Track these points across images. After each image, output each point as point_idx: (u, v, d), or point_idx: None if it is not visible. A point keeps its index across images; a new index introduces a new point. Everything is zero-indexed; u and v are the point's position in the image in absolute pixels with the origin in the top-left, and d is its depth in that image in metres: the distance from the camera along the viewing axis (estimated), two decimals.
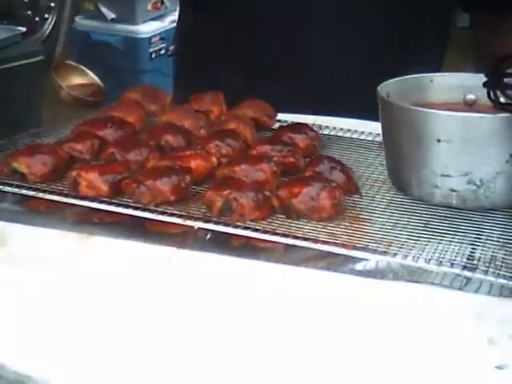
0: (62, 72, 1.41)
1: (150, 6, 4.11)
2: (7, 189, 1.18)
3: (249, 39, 1.52)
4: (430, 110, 1.10)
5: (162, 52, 4.15)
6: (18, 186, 1.18)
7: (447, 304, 0.96)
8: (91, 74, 1.44)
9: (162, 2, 4.23)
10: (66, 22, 1.40)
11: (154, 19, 4.15)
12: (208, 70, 1.57)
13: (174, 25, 4.57)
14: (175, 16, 4.52)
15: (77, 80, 1.42)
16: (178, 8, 4.62)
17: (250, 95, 1.42)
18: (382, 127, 1.20)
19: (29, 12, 4.43)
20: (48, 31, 4.59)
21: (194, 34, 1.58)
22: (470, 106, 1.21)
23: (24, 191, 1.17)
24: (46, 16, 4.57)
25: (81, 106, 1.39)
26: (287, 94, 1.43)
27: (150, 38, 4.08)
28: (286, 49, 1.51)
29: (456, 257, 1.01)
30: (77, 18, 4.23)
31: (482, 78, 1.14)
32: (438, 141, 1.09)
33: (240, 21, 1.52)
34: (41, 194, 1.16)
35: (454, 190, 1.11)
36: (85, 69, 1.47)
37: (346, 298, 0.97)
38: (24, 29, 3.70)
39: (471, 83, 1.21)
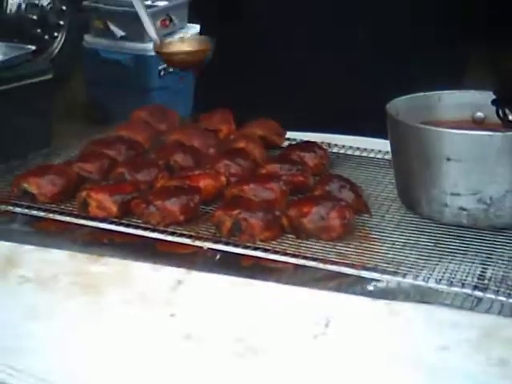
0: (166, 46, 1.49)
1: (158, 24, 4.13)
2: (17, 210, 1.18)
3: (262, 57, 1.52)
4: (439, 129, 1.10)
5: (171, 69, 4.17)
6: (28, 207, 1.18)
7: (458, 324, 0.95)
8: (195, 36, 1.52)
9: (171, 20, 4.24)
10: (144, 14, 1.48)
11: (162, 36, 4.17)
12: (223, 84, 1.57)
13: None
14: (183, 33, 4.55)
15: (181, 46, 1.49)
16: (186, 25, 4.63)
17: (260, 113, 1.42)
18: (391, 146, 1.20)
19: (38, 30, 4.45)
20: (57, 49, 4.61)
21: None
22: (479, 124, 1.20)
23: (34, 212, 1.18)
24: (56, 34, 4.59)
25: (189, 64, 1.45)
26: (297, 112, 1.43)
27: None
28: (296, 68, 1.51)
29: (467, 277, 1.01)
30: (86, 36, 4.26)
31: (490, 95, 1.14)
32: (448, 159, 1.09)
33: (255, 37, 1.52)
34: (51, 215, 1.17)
35: (464, 209, 1.10)
36: (188, 37, 1.55)
37: (356, 318, 0.96)
38: (34, 47, 3.72)
39: (480, 101, 1.21)
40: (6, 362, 0.88)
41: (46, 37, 4.54)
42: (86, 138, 1.42)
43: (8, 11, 4.36)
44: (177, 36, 4.23)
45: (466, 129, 1.13)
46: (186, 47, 1.48)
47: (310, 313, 0.97)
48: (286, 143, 1.42)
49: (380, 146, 1.37)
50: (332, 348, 0.91)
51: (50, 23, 4.55)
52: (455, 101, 1.23)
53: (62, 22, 4.61)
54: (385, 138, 1.23)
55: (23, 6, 4.41)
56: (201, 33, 1.69)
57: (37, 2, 4.46)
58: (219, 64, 1.51)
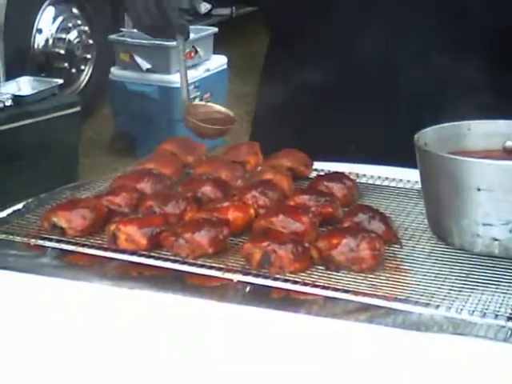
0: (192, 111, 1.49)
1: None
2: (47, 244, 1.19)
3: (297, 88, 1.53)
4: (469, 159, 1.10)
5: (197, 101, 4.20)
6: (57, 241, 1.19)
7: (492, 357, 0.94)
8: (216, 106, 1.52)
9: (196, 52, 4.28)
10: (183, 66, 1.48)
11: (188, 68, 4.20)
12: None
13: (208, 73, 4.62)
14: (208, 65, 4.58)
15: (207, 115, 1.49)
16: (211, 57, 4.66)
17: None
18: (421, 176, 1.19)
19: (65, 64, 4.51)
20: (84, 82, 4.66)
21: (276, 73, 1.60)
22: (510, 154, 1.20)
23: (64, 246, 1.18)
24: (82, 67, 4.65)
25: (217, 136, 1.46)
26: (324, 142, 1.43)
27: None
28: (322, 98, 1.51)
29: (500, 308, 1.00)
30: (112, 69, 4.30)
31: None
32: (478, 189, 1.08)
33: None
34: (80, 249, 1.17)
35: (496, 239, 1.09)
36: (210, 104, 1.55)
37: (389, 351, 0.95)
38: (61, 81, 3.76)
39: (509, 130, 1.21)
40: None
41: (73, 70, 4.59)
42: (114, 171, 1.43)
43: (36, 46, 4.42)
44: (202, 67, 4.27)
45: (496, 158, 1.12)
46: (212, 121, 1.48)
47: (342, 345, 0.97)
48: (314, 174, 1.42)
49: (409, 176, 1.36)
50: (365, 381, 0.90)
51: (77, 57, 4.60)
52: (485, 130, 1.22)
53: (88, 56, 4.66)
54: (413, 167, 1.23)
55: (50, 40, 4.47)
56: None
57: (64, 36, 4.52)
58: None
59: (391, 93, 1.44)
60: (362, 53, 1.43)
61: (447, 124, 1.22)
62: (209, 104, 1.56)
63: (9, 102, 3.44)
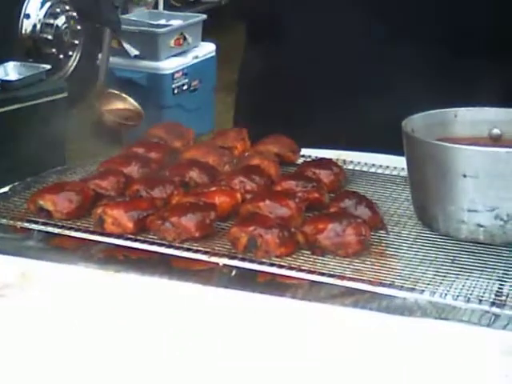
0: (103, 99, 1.47)
1: (172, 43, 4.15)
2: (33, 226, 1.19)
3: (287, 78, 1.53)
4: (456, 146, 1.10)
5: (185, 87, 4.18)
6: (43, 224, 1.19)
7: (475, 341, 0.94)
8: (131, 100, 1.50)
9: (185, 39, 4.26)
10: (106, 53, 1.49)
11: (176, 55, 4.18)
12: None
13: (196, 61, 4.60)
14: (197, 52, 4.56)
15: (117, 106, 1.48)
16: (200, 44, 4.63)
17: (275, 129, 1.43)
18: (407, 162, 1.20)
19: (53, 50, 4.48)
20: (72, 68, 4.64)
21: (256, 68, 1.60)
22: (496, 141, 1.20)
23: (50, 229, 1.18)
24: (70, 53, 4.62)
25: (120, 129, 1.45)
26: (311, 129, 1.43)
27: (172, 74, 4.11)
28: (311, 87, 1.51)
29: (484, 293, 1.00)
30: (100, 55, 4.28)
31: (507, 112, 1.14)
32: (464, 176, 1.08)
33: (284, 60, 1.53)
34: (66, 232, 1.17)
35: (481, 226, 1.10)
36: (125, 96, 1.54)
37: (373, 335, 0.96)
38: (48, 66, 3.74)
39: (496, 118, 1.21)
40: None
41: (61, 56, 4.57)
42: (101, 155, 1.42)
43: (23, 31, 4.39)
44: (191, 55, 4.25)
45: (482, 145, 1.13)
46: (119, 114, 1.48)
47: (327, 329, 0.97)
48: (301, 160, 1.42)
49: (395, 163, 1.37)
50: (349, 366, 0.90)
51: (64, 43, 4.57)
52: (471, 117, 1.22)
53: (76, 42, 4.63)
54: (399, 154, 1.23)
55: (38, 26, 4.44)
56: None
57: (52, 21, 4.50)
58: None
59: (377, 80, 1.44)
60: (345, 39, 1.43)
61: (434, 111, 1.22)
62: (123, 96, 1.56)
63: None
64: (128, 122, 1.45)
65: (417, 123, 1.19)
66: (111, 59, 4.77)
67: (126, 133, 1.50)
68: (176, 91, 4.14)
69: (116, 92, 1.53)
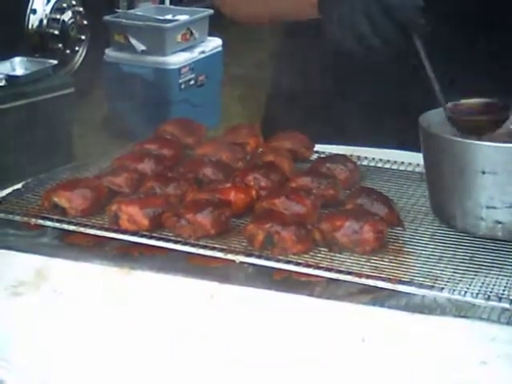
0: None
1: (179, 38, 4.13)
2: (48, 223, 1.18)
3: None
4: (474, 142, 1.09)
5: (192, 82, 4.17)
6: (58, 221, 1.18)
7: (495, 339, 0.94)
8: None
9: (191, 34, 4.25)
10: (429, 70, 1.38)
11: (183, 50, 4.17)
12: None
13: (203, 55, 4.59)
14: (204, 47, 4.55)
15: None
16: (206, 39, 4.62)
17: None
18: (424, 158, 1.19)
19: (60, 45, 4.47)
20: (78, 64, 4.63)
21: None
22: None
23: (65, 226, 1.17)
24: (77, 48, 4.61)
25: None
26: (326, 125, 1.42)
27: (179, 69, 4.10)
28: (326, 80, 1.50)
29: (504, 290, 1.00)
30: (107, 50, 4.27)
31: None
32: (483, 172, 1.07)
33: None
34: (81, 229, 1.16)
35: (500, 222, 1.09)
36: None
37: (392, 333, 0.95)
38: (55, 61, 3.73)
39: None
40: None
41: (68, 51, 4.56)
42: (111, 152, 1.42)
43: (30, 26, 4.39)
44: (197, 50, 4.24)
45: (500, 141, 1.12)
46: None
47: (345, 327, 0.96)
48: (315, 156, 1.41)
49: (410, 159, 1.36)
50: (368, 363, 0.90)
51: (71, 38, 4.56)
52: None
53: (83, 37, 4.62)
54: (413, 150, 1.22)
55: (45, 21, 4.43)
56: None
57: (58, 17, 4.49)
58: None
59: (394, 77, 1.43)
60: None
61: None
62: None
63: (2, 83, 3.41)
64: None
65: (433, 119, 1.18)
66: (118, 54, 4.79)
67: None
68: (183, 86, 4.13)
69: None
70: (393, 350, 0.92)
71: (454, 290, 1.00)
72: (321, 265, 1.06)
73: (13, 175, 1.38)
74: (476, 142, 1.09)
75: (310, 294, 1.02)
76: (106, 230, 1.15)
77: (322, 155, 1.40)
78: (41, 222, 1.18)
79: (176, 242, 1.12)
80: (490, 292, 0.99)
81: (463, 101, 1.18)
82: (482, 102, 1.17)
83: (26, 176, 1.34)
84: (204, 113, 3.94)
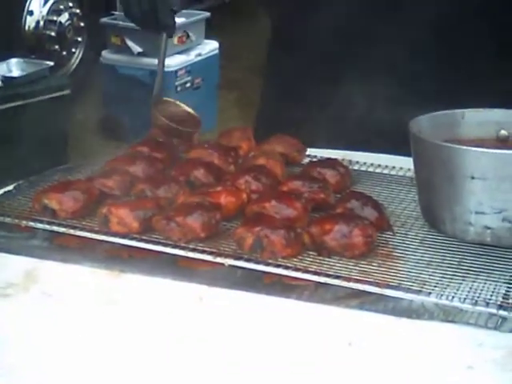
0: (159, 105, 1.48)
1: (175, 40, 4.14)
2: (38, 225, 1.18)
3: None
4: (463, 147, 1.09)
5: (188, 85, 4.17)
6: (48, 223, 1.18)
7: (482, 344, 0.94)
8: (185, 106, 1.51)
9: (188, 36, 4.25)
10: (162, 59, 1.48)
11: (179, 53, 4.17)
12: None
13: (199, 58, 4.59)
14: (200, 50, 4.55)
15: (172, 112, 1.49)
16: (203, 41, 4.64)
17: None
18: (414, 164, 1.19)
19: (56, 46, 4.47)
20: (75, 65, 4.63)
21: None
22: (503, 143, 1.20)
23: (55, 228, 1.17)
24: (73, 50, 4.61)
25: (179, 136, 1.45)
26: (318, 129, 1.43)
27: (175, 72, 4.10)
28: (317, 85, 1.50)
29: (491, 296, 1.00)
30: (103, 52, 4.28)
31: None
32: (472, 178, 1.08)
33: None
34: (72, 231, 1.16)
35: (489, 228, 1.09)
36: (180, 103, 1.54)
37: (379, 338, 0.95)
38: (52, 63, 3.73)
39: (504, 119, 1.20)
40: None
41: (64, 53, 4.56)
42: (105, 154, 1.42)
43: (26, 28, 4.39)
44: (194, 52, 4.25)
45: (489, 147, 1.12)
46: (178, 121, 1.47)
47: (332, 331, 0.96)
48: (306, 160, 1.42)
49: (402, 163, 1.36)
50: (355, 367, 0.90)
51: (68, 39, 4.57)
52: (478, 119, 1.22)
53: (79, 39, 4.63)
54: (405, 154, 1.22)
55: (41, 22, 4.44)
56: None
57: (55, 18, 4.49)
58: None
59: (388, 78, 1.44)
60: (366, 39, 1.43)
61: (441, 112, 1.21)
62: (178, 103, 1.56)
63: None
64: (184, 127, 1.45)
65: (423, 124, 1.18)
66: (114, 56, 4.79)
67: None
68: (179, 89, 4.13)
69: (171, 100, 1.54)
70: (380, 355, 0.92)
71: (442, 295, 1.00)
72: (309, 268, 1.06)
73: (7, 176, 1.38)
74: (465, 147, 1.09)
75: (298, 298, 1.02)
76: (96, 232, 1.16)
77: (314, 159, 1.41)
78: (31, 224, 1.19)
79: (166, 245, 1.12)
80: (478, 297, 1.00)
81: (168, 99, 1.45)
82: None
83: (19, 178, 1.34)
84: (200, 115, 3.95)
